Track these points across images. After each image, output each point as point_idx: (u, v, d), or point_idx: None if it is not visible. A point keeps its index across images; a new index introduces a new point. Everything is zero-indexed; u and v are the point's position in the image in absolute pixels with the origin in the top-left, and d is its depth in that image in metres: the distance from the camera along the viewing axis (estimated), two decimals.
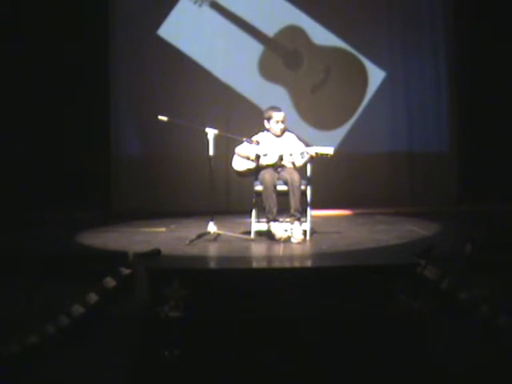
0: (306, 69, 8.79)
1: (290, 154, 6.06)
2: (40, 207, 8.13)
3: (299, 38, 8.73)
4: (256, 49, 8.74)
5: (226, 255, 5.52)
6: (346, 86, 8.77)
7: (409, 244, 5.74)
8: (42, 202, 8.20)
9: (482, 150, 8.43)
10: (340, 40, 8.71)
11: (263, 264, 5.49)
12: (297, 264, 5.31)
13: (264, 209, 5.97)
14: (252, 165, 6.07)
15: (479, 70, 8.40)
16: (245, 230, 6.43)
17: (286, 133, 6.24)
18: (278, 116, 6.16)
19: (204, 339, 4.20)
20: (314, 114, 8.73)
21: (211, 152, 6.00)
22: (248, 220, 6.30)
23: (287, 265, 5.22)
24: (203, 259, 5.39)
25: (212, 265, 5.41)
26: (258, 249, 5.84)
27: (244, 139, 6.10)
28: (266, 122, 6.20)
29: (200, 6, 8.73)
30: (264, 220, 6.07)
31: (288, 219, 5.90)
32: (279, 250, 5.60)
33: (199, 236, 5.94)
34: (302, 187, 5.97)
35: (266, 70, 8.75)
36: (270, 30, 8.73)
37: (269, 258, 5.60)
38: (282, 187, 5.96)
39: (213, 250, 5.75)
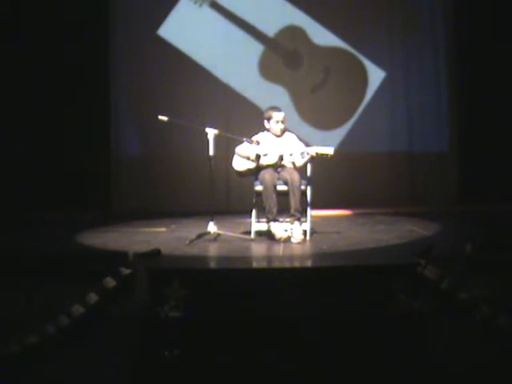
0: (306, 69, 8.79)
1: (290, 154, 6.06)
2: (40, 207, 8.12)
3: (299, 37, 8.73)
4: (256, 49, 8.74)
5: (226, 255, 5.52)
6: (346, 86, 8.77)
7: (409, 244, 5.74)
8: (42, 202, 8.20)
9: (482, 149, 8.43)
10: (340, 40, 8.71)
11: (263, 264, 5.49)
12: (297, 264, 5.31)
13: (264, 209, 5.97)
14: (252, 165, 6.07)
15: (479, 70, 8.40)
16: (245, 229, 6.43)
17: (286, 133, 6.24)
18: (278, 116, 6.16)
19: (204, 339, 4.20)
20: (314, 114, 8.73)
21: (211, 152, 6.00)
22: (248, 220, 6.30)
23: (287, 265, 5.22)
24: (203, 259, 5.39)
25: (212, 265, 5.41)
26: (258, 249, 5.84)
27: (244, 139, 6.11)
28: (266, 122, 6.20)
29: (200, 5, 8.73)
30: (264, 220, 6.07)
31: (288, 219, 5.90)
32: (279, 249, 5.60)
33: (199, 236, 5.94)
34: (302, 187, 5.97)
35: (266, 70, 8.75)
36: (270, 30, 8.73)
37: (269, 258, 5.60)
38: (282, 187, 5.96)
39: (213, 250, 5.75)
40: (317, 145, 6.18)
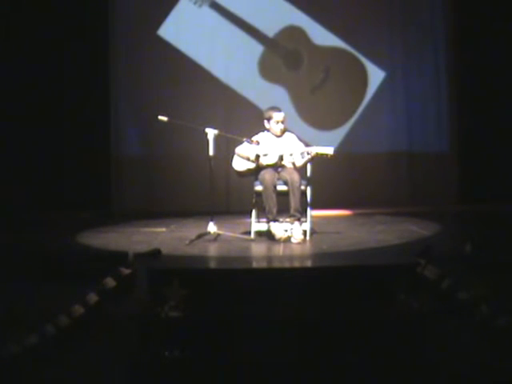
0: (306, 69, 8.79)
1: (290, 154, 6.06)
2: (40, 207, 8.12)
3: (299, 38, 8.73)
4: (256, 49, 8.74)
5: (226, 255, 5.52)
6: (346, 86, 8.77)
7: (409, 244, 5.74)
8: (42, 202, 8.20)
9: (482, 149, 8.43)
10: (340, 40, 8.71)
11: (263, 264, 5.50)
12: (297, 264, 5.31)
13: (264, 209, 5.97)
14: (252, 165, 6.07)
15: (479, 70, 8.40)
16: (245, 229, 6.43)
17: (286, 133, 6.24)
18: (278, 116, 6.16)
19: (204, 339, 4.19)
20: (314, 113, 8.73)
21: (211, 152, 6.00)
22: (248, 220, 6.30)
23: (287, 265, 5.23)
24: (203, 259, 5.39)
25: (212, 265, 5.41)
26: (258, 249, 5.84)
27: (244, 139, 6.11)
28: (266, 122, 6.21)
29: (200, 6, 8.73)
30: (264, 220, 6.07)
31: (288, 219, 5.90)
32: (279, 250, 5.60)
33: (199, 236, 5.94)
34: (302, 187, 5.97)
35: (266, 70, 8.75)
36: (270, 30, 8.72)
37: (269, 258, 5.60)
38: (281, 187, 5.96)
39: (213, 250, 5.75)
40: (317, 145, 6.18)
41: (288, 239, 5.84)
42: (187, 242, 5.85)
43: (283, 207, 5.97)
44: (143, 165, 8.80)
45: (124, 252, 5.14)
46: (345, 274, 4.67)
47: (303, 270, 4.96)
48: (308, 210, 6.08)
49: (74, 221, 7.79)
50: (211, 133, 6.01)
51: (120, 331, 4.25)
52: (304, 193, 6.03)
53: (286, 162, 6.07)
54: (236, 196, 8.45)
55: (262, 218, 6.14)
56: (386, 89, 8.74)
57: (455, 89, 8.66)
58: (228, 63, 8.69)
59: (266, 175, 5.93)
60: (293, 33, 8.73)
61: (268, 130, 6.22)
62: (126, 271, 4.70)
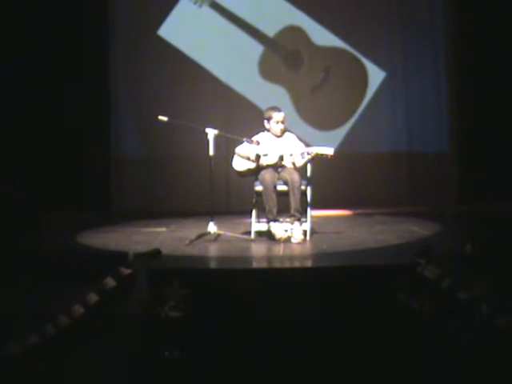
0: (306, 69, 8.79)
1: (290, 155, 6.06)
2: (40, 207, 8.12)
3: (299, 38, 8.73)
4: (256, 49, 8.74)
5: (226, 255, 5.52)
6: (346, 86, 8.76)
7: (409, 244, 5.74)
8: (42, 202, 8.19)
9: (482, 150, 8.43)
10: (340, 40, 8.70)
11: (263, 264, 5.50)
12: (297, 264, 5.31)
13: (264, 209, 5.97)
14: (252, 165, 6.07)
15: (479, 70, 8.40)
16: (245, 230, 6.43)
17: (287, 133, 6.24)
18: (278, 116, 6.16)
19: (204, 339, 4.19)
20: (314, 114, 8.72)
21: (211, 152, 6.00)
22: (248, 220, 6.31)
23: (287, 265, 5.23)
24: (203, 259, 5.39)
25: (212, 265, 5.41)
26: (258, 249, 5.84)
27: (244, 139, 6.11)
28: (266, 122, 6.21)
29: (200, 6, 8.73)
30: (264, 220, 6.08)
31: (288, 219, 5.90)
32: (279, 250, 5.60)
33: (199, 236, 5.94)
34: (302, 187, 5.97)
35: (266, 70, 8.75)
36: (270, 30, 8.72)
37: (269, 258, 5.60)
38: (282, 187, 5.96)
39: (213, 250, 5.75)
40: (317, 145, 6.19)
41: (288, 239, 5.84)
42: (187, 242, 5.85)
43: (283, 207, 5.97)
44: (143, 165, 8.79)
45: (124, 252, 5.14)
46: (345, 274, 4.67)
47: (303, 270, 4.96)
48: (308, 210, 6.08)
49: (74, 221, 7.79)
50: (211, 133, 6.01)
51: (120, 331, 4.26)
52: (304, 193, 6.03)
53: (286, 162, 6.07)
54: (236, 196, 8.45)
55: (262, 217, 6.14)
56: (386, 89, 8.74)
57: (455, 89, 8.66)
58: (228, 63, 8.69)
59: (266, 175, 5.93)
60: (293, 33, 8.72)
61: (268, 130, 6.22)
62: (126, 271, 4.69)
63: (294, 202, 5.89)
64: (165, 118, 6.12)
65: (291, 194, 5.89)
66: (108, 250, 5.77)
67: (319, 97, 8.76)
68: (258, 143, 6.04)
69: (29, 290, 4.56)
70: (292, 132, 6.32)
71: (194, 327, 4.26)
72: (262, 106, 7.47)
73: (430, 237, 6.16)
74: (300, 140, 6.26)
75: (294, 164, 6.08)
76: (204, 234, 5.97)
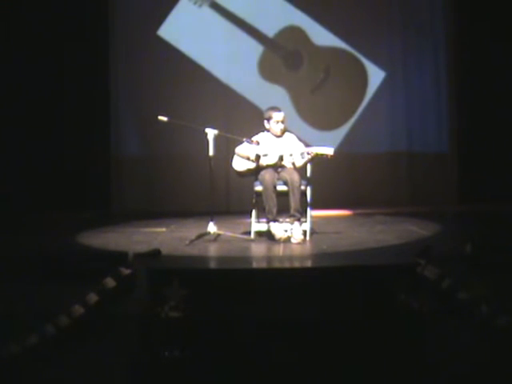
0: (306, 69, 8.79)
1: (290, 155, 6.06)
2: (40, 207, 8.12)
3: (299, 38, 8.73)
4: (256, 49, 8.74)
5: (226, 255, 5.52)
6: (346, 86, 8.77)
7: (409, 244, 5.74)
8: (42, 202, 8.20)
9: (482, 150, 8.43)
10: (340, 40, 8.71)
11: (263, 264, 5.50)
12: (297, 264, 5.30)
13: (264, 209, 5.97)
14: (252, 165, 6.07)
15: (479, 70, 8.40)
16: (245, 230, 6.43)
17: (286, 133, 6.24)
18: (277, 116, 6.16)
19: (204, 339, 4.20)
20: (314, 114, 8.73)
21: (211, 152, 6.00)
22: (248, 220, 6.31)
23: (287, 265, 5.23)
24: (203, 259, 5.39)
25: (212, 265, 5.41)
26: (258, 249, 5.84)
27: (244, 139, 6.11)
28: (265, 122, 6.21)
29: (200, 6, 8.73)
30: (264, 220, 6.08)
31: (288, 219, 5.90)
32: (279, 250, 5.60)
33: (199, 236, 5.94)
34: (302, 187, 5.97)
35: (266, 70, 8.75)
36: (270, 30, 8.72)
37: (269, 258, 5.60)
38: (281, 187, 5.96)
39: (213, 250, 5.75)
40: (317, 145, 6.19)
41: (288, 239, 5.84)
42: (187, 242, 5.85)
43: (283, 207, 5.97)
44: (143, 165, 8.80)
45: (124, 252, 5.14)
46: (345, 274, 4.67)
47: (303, 270, 4.96)
48: (308, 210, 6.08)
49: (74, 221, 7.79)
50: (211, 133, 6.01)
51: (120, 331, 4.26)
52: (304, 193, 6.03)
53: (286, 162, 6.07)
54: (236, 196, 8.46)
55: (262, 218, 6.14)
56: (386, 89, 8.75)
57: (455, 89, 8.66)
58: (228, 63, 8.69)
59: (266, 175, 5.93)
60: (293, 33, 8.73)
61: (268, 130, 6.22)
62: (126, 271, 4.69)
63: (294, 202, 5.89)
64: (165, 118, 6.12)
65: (291, 194, 5.89)
66: (108, 250, 5.77)
67: (319, 97, 8.77)
68: (258, 143, 6.04)
69: (29, 290, 4.56)
70: (292, 132, 6.32)
71: (193, 327, 4.26)
72: (262, 106, 7.48)
73: (429, 237, 6.16)
74: (300, 140, 6.26)
75: (293, 164, 6.07)
76: (204, 234, 5.96)
